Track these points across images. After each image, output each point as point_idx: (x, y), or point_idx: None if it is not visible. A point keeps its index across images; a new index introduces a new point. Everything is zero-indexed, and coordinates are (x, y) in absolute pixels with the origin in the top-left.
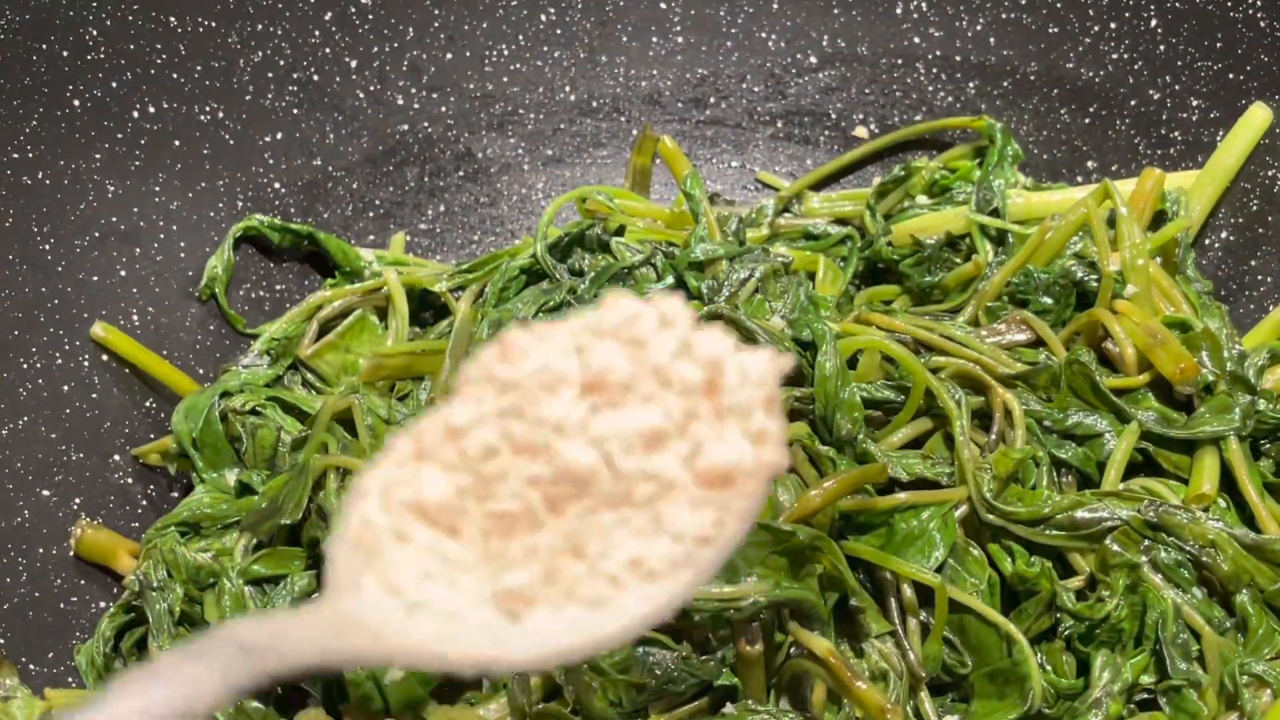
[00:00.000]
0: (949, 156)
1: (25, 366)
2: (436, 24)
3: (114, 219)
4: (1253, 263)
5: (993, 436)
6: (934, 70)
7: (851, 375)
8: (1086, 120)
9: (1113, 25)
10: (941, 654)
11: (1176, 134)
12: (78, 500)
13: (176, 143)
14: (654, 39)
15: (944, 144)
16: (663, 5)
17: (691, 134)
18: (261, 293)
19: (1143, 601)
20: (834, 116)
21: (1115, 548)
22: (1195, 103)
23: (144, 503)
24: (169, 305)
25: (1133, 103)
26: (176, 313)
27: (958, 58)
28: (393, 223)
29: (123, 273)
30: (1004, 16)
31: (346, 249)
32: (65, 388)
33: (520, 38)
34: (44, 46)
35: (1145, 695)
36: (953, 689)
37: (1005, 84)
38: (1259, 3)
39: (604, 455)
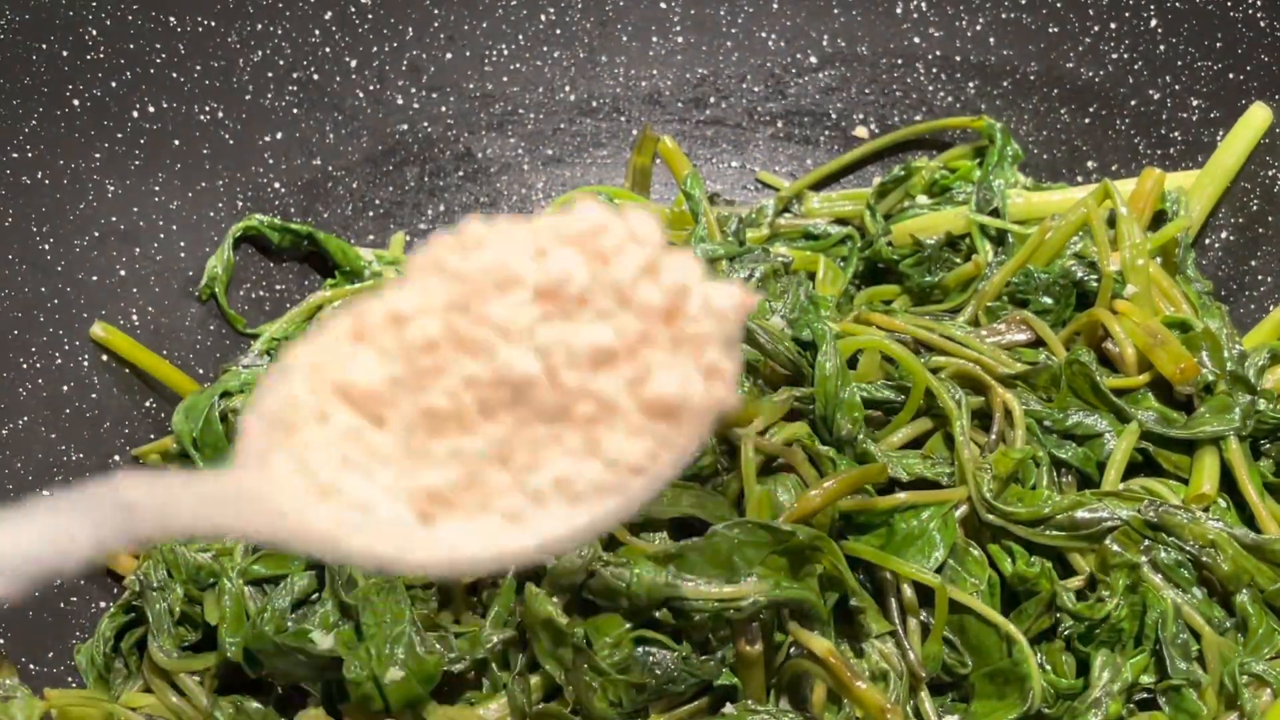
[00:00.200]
0: (949, 156)
1: (25, 366)
2: (436, 24)
3: (114, 219)
4: (1253, 263)
5: (993, 436)
6: (934, 70)
7: (851, 375)
8: (1086, 120)
9: (1113, 25)
10: (941, 654)
11: (1176, 134)
12: None
13: (176, 142)
14: (654, 39)
15: (944, 144)
16: (663, 5)
17: (691, 134)
18: (261, 293)
19: (1143, 601)
20: (834, 116)
21: (1115, 548)
22: (1195, 102)
23: None
24: (169, 305)
25: (1133, 102)
26: (176, 313)
27: (958, 58)
28: (393, 223)
29: (123, 273)
30: (1004, 16)
31: (346, 249)
32: (65, 388)
33: (520, 38)
34: (44, 46)
35: (1145, 695)
36: (953, 689)
37: (1005, 84)
38: (1259, 2)
39: (548, 366)
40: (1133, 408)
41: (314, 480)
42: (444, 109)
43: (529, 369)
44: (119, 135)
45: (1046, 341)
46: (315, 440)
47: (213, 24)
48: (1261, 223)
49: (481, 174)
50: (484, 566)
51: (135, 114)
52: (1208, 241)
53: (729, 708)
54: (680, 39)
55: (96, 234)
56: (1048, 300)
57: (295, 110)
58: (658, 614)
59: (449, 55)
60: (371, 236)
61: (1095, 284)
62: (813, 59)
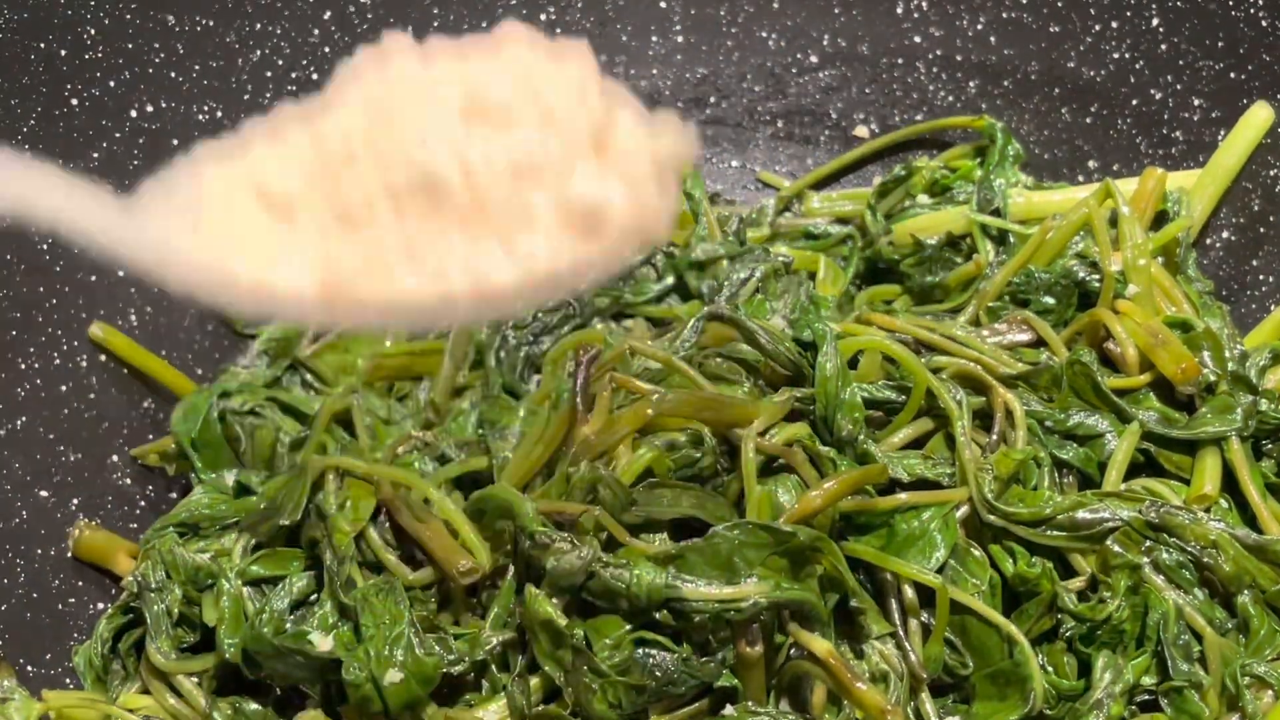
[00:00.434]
0: (950, 156)
1: (24, 366)
2: (436, 24)
3: None
4: (1254, 262)
5: (994, 437)
6: (934, 70)
7: (852, 375)
8: (1088, 120)
9: (1114, 24)
10: (943, 655)
11: (1178, 133)
12: (76, 501)
13: (176, 143)
14: (654, 39)
15: (945, 143)
16: (663, 5)
17: None
18: None
19: (1144, 602)
20: (834, 116)
21: (1117, 548)
22: (1197, 102)
23: (142, 503)
24: (168, 305)
25: (1134, 102)
26: (175, 313)
27: (958, 57)
28: None
29: (122, 273)
30: (1005, 16)
31: None
32: (63, 388)
33: None
34: (43, 46)
35: (1147, 696)
36: (954, 690)
37: (1006, 83)
38: (1261, 2)
39: (465, 171)
40: (1134, 408)
41: (199, 232)
42: None
43: (445, 172)
44: (118, 135)
45: (1048, 341)
46: (218, 215)
47: (212, 24)
48: (1263, 222)
49: None
50: (368, 320)
51: (135, 114)
52: (1209, 241)
53: (729, 709)
54: (680, 39)
55: None
56: (1049, 300)
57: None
58: (658, 615)
59: None
60: None
61: (1097, 284)
62: (813, 58)
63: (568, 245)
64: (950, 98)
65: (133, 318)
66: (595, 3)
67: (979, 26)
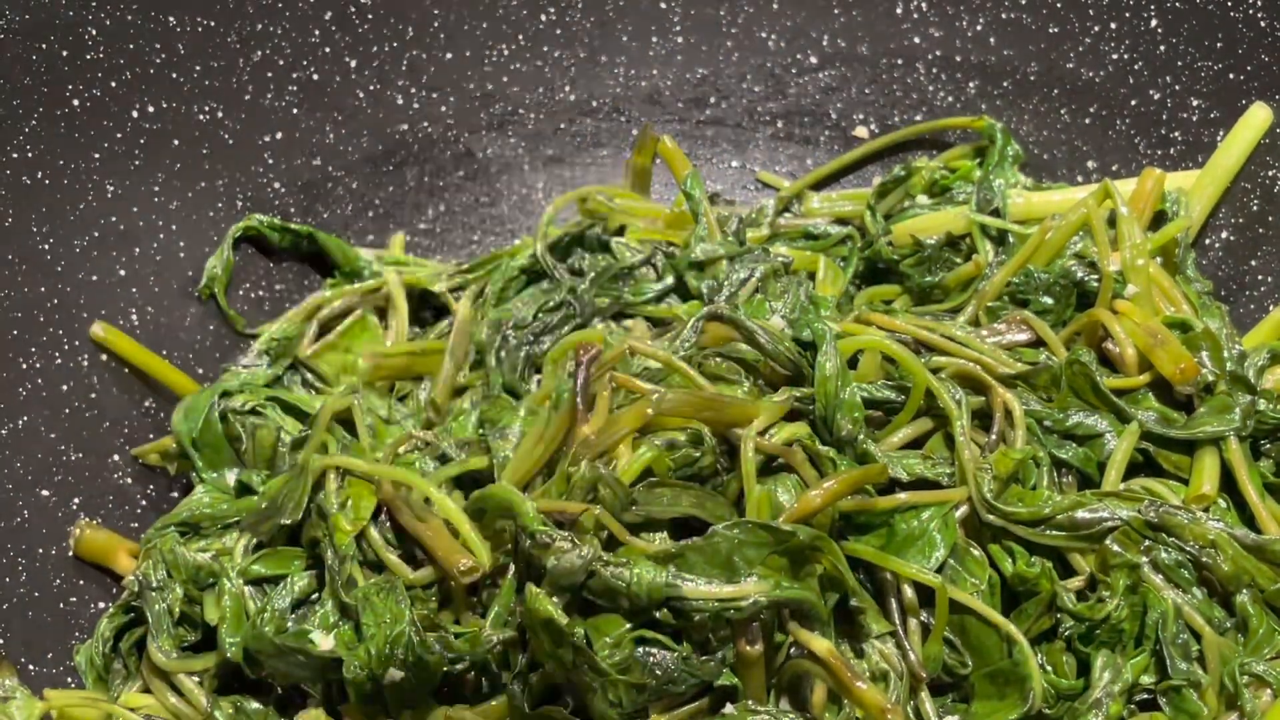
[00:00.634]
0: (949, 156)
1: (25, 366)
2: (436, 24)
3: (114, 219)
4: (1253, 263)
5: (993, 437)
6: (934, 70)
7: (852, 375)
8: (1087, 120)
9: (1113, 25)
10: (942, 654)
11: (1177, 134)
12: (77, 500)
13: (176, 143)
14: (654, 39)
15: (944, 144)
16: (663, 5)
17: (691, 134)
18: (261, 293)
19: (1143, 602)
20: (834, 116)
21: (1115, 548)
22: (1195, 102)
23: (143, 503)
24: (169, 305)
25: (1133, 102)
26: (176, 313)
27: (958, 58)
28: (393, 223)
29: (123, 273)
30: (1004, 16)
31: (346, 249)
32: (65, 387)
33: (520, 38)
34: (44, 46)
35: (1145, 695)
36: (953, 689)
37: (1005, 84)
38: (1259, 2)
39: None
40: (1133, 408)
41: None
42: (444, 109)
43: None
44: (119, 135)
45: (1047, 341)
46: None
47: (212, 24)
48: (1261, 223)
49: (481, 174)
50: None
51: (135, 114)
52: (1208, 241)
53: (729, 708)
54: (680, 39)
55: (96, 234)
56: (1048, 300)
57: (295, 110)
58: (658, 614)
59: (449, 55)
60: (371, 237)
61: (1095, 284)
62: (813, 59)
63: None
64: (950, 98)
65: (134, 317)
66: (595, 3)
67: (979, 27)
